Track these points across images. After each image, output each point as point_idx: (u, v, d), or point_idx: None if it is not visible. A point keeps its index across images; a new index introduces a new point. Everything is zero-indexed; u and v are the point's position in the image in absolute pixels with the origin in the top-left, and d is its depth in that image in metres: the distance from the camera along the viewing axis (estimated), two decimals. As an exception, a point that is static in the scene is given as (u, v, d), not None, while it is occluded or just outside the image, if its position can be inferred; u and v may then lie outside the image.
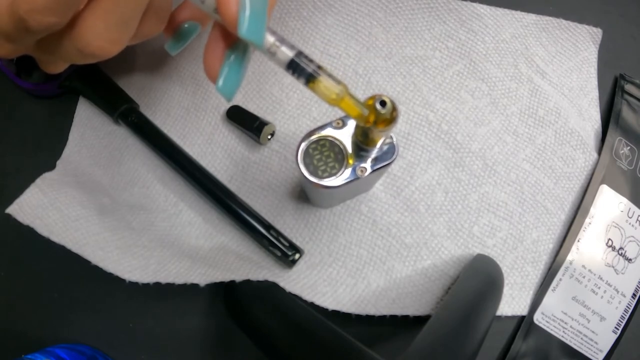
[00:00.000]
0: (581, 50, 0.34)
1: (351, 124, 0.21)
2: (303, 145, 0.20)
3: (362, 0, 0.32)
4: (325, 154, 0.20)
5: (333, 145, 0.20)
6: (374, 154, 0.21)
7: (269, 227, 0.28)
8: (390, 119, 0.17)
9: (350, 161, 0.20)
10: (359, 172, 0.20)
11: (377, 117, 0.17)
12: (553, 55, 0.34)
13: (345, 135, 0.21)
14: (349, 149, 0.21)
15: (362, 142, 0.19)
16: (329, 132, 0.21)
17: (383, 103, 0.17)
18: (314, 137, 0.20)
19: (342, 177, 0.20)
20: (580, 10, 0.35)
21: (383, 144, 0.20)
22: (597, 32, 0.34)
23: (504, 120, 0.32)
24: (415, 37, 0.32)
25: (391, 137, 0.21)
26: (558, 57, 0.34)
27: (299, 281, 0.27)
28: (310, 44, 0.32)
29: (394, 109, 0.17)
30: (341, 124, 0.21)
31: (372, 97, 0.17)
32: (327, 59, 0.32)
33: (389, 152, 0.21)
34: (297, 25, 0.32)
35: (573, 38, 0.34)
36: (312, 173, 0.20)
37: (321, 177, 0.20)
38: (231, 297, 0.26)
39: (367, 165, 0.20)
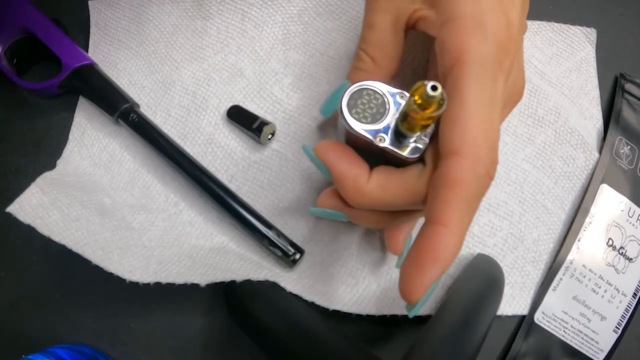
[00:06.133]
0: (578, 51, 0.34)
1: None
2: (348, 92, 0.20)
3: (362, 7, 0.32)
4: (372, 104, 0.20)
5: (377, 97, 0.20)
6: (408, 143, 0.20)
7: (269, 226, 0.28)
8: (440, 103, 0.17)
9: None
10: (378, 140, 0.20)
11: (427, 101, 0.17)
12: (550, 57, 0.34)
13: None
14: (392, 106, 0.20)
15: (403, 126, 0.19)
16: (380, 86, 0.20)
17: (434, 88, 0.17)
18: (359, 87, 0.20)
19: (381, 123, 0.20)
20: (579, 9, 0.35)
21: (418, 138, 0.20)
22: (591, 32, 0.34)
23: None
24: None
25: (425, 142, 0.20)
26: (555, 59, 0.34)
27: (300, 281, 0.27)
28: (310, 46, 0.32)
29: (444, 94, 0.17)
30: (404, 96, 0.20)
31: (422, 84, 0.17)
32: (327, 60, 0.32)
33: (414, 152, 0.20)
34: (299, 30, 0.32)
35: (568, 39, 0.34)
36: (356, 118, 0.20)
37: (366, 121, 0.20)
38: (232, 297, 0.26)
39: (388, 139, 0.20)
